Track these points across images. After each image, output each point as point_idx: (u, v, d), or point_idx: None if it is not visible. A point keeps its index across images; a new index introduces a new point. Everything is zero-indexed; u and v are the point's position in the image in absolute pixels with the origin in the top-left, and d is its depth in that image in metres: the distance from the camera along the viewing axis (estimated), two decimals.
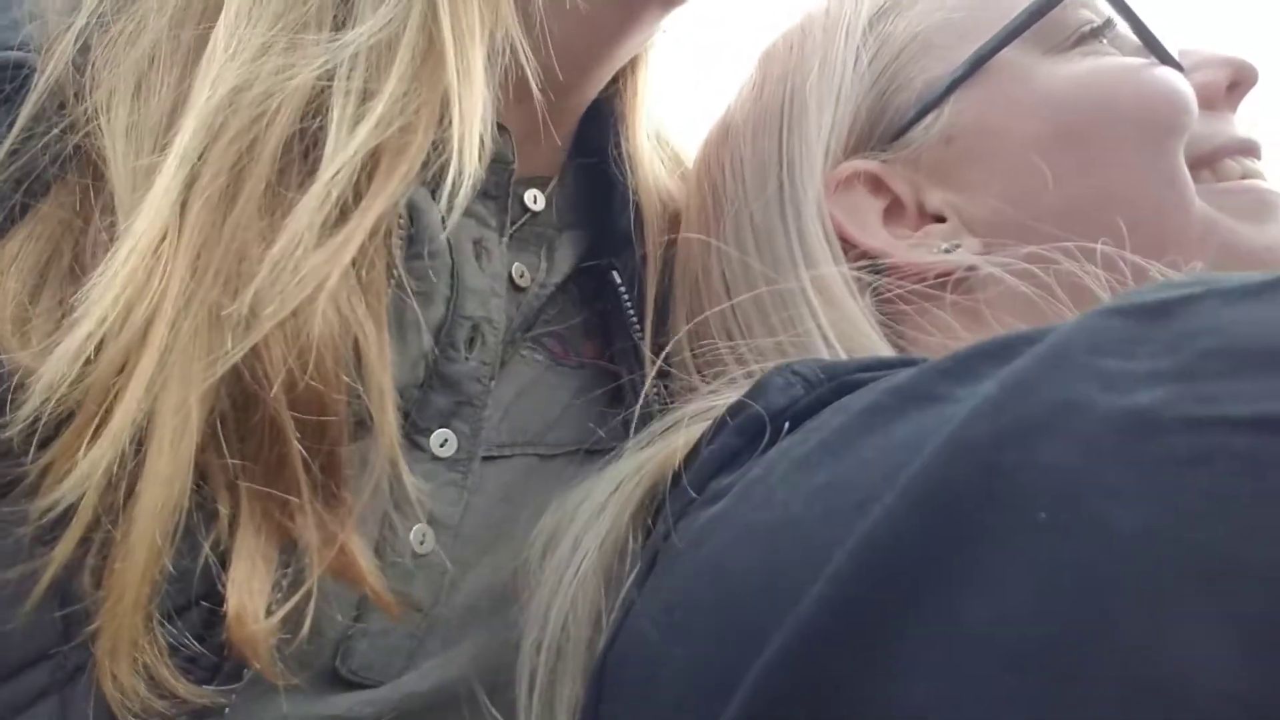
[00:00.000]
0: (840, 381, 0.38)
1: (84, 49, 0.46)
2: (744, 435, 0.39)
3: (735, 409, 0.41)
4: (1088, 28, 0.57)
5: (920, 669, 0.24)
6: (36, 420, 0.39)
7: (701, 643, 0.31)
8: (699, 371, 0.54)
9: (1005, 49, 0.56)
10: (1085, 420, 0.24)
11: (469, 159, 0.47)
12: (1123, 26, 0.59)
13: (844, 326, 0.51)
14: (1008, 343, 0.30)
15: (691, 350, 0.57)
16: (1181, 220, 0.51)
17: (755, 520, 0.33)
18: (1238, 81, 0.56)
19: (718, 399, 0.47)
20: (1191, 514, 0.22)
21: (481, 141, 0.48)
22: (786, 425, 0.36)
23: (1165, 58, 0.56)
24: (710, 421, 0.43)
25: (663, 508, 0.40)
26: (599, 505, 0.45)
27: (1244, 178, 0.56)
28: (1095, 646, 0.22)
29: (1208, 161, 0.55)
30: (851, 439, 0.31)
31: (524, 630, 0.46)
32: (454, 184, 0.46)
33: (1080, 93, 0.54)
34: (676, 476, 0.42)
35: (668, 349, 0.56)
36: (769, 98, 0.60)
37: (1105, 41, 0.58)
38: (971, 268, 0.52)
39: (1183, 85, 0.54)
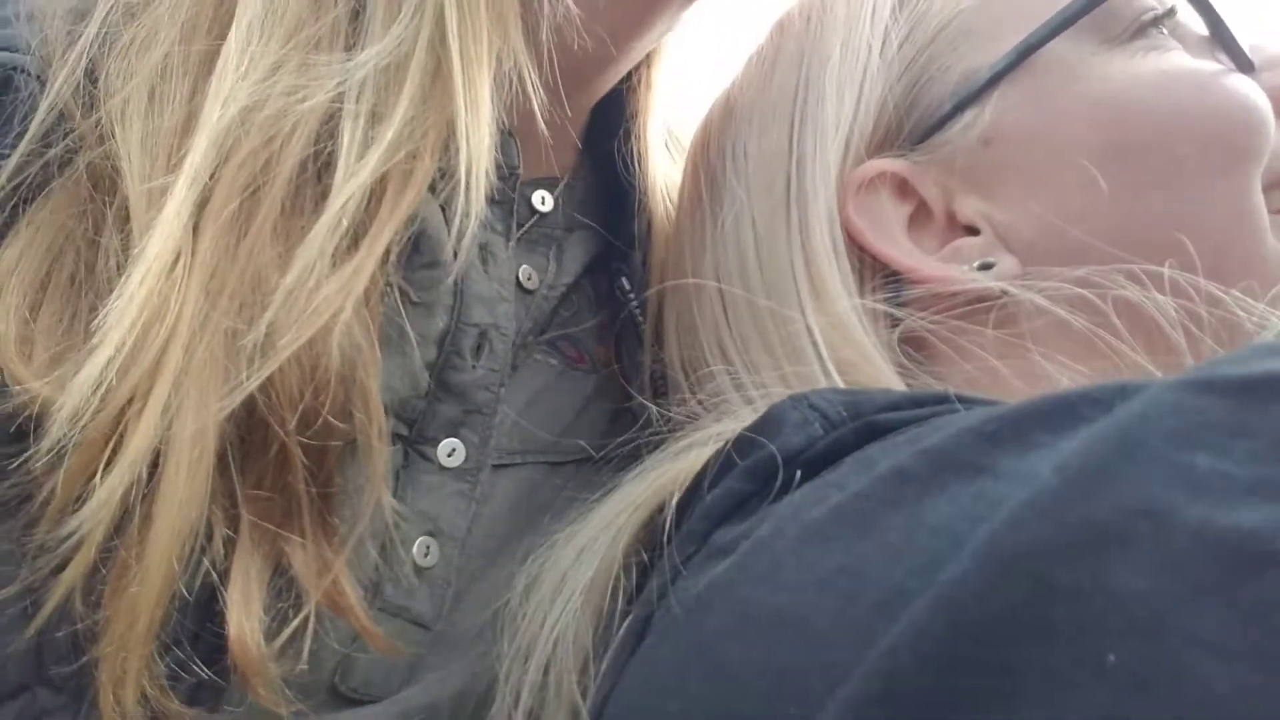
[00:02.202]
0: (865, 423, 0.33)
1: (96, 57, 0.45)
2: (754, 479, 0.34)
3: (743, 445, 0.36)
4: (1149, 16, 0.50)
5: None
6: (63, 449, 0.39)
7: None
8: (693, 393, 0.50)
9: (1056, 39, 0.50)
10: (1171, 538, 0.19)
11: (476, 197, 0.46)
12: (1184, 13, 0.53)
13: (850, 356, 0.46)
14: (1066, 405, 0.25)
15: (684, 369, 0.52)
16: (1251, 258, 0.45)
17: (758, 602, 0.28)
18: None
19: (719, 427, 0.43)
20: None
21: (488, 174, 0.47)
22: (799, 474, 0.32)
23: (1239, 58, 0.49)
24: (713, 452, 0.38)
25: (659, 549, 0.36)
26: (588, 542, 0.41)
27: None
28: None
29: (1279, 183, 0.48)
30: (874, 514, 0.27)
31: (500, 675, 0.42)
32: (462, 220, 0.46)
33: (1142, 99, 0.48)
34: (678, 513, 0.38)
35: (656, 369, 0.52)
36: (781, 80, 0.54)
37: (1165, 31, 0.51)
38: (1006, 293, 0.46)
39: (1259, 100, 0.47)
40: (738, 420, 0.42)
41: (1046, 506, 0.21)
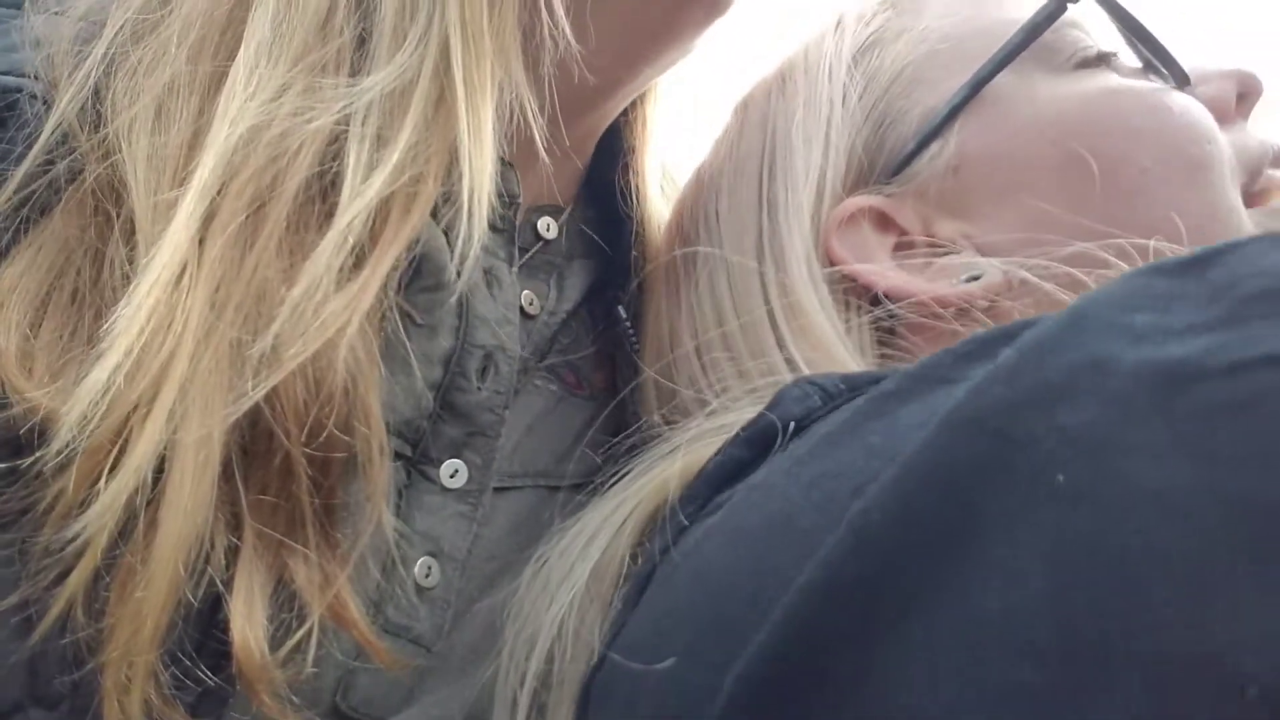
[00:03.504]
0: (861, 390, 0.35)
1: (102, 77, 0.47)
2: (753, 447, 0.36)
3: (751, 424, 0.38)
4: (1090, 52, 0.55)
5: (921, 666, 0.21)
6: (73, 452, 0.39)
7: (685, 649, 0.28)
8: (660, 411, 0.52)
9: (1003, 73, 0.55)
10: (1112, 377, 0.22)
11: (478, 220, 0.47)
12: (1125, 54, 0.58)
13: (815, 357, 0.49)
14: (1030, 321, 0.28)
15: (658, 399, 0.55)
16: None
17: (749, 519, 0.30)
18: (1245, 92, 0.55)
19: (720, 419, 0.45)
20: (1233, 463, 0.19)
21: (490, 199, 0.48)
22: (791, 426, 0.34)
23: (1177, 74, 0.54)
24: (716, 443, 0.40)
25: (663, 529, 0.38)
26: (593, 532, 0.43)
27: (1269, 188, 0.53)
28: (1118, 625, 0.19)
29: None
30: (857, 426, 0.29)
31: (504, 660, 0.43)
32: (464, 243, 0.47)
33: (1094, 115, 0.52)
34: (682, 499, 0.39)
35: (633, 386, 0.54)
36: (748, 145, 0.59)
37: (1107, 67, 0.56)
38: (997, 295, 0.49)
39: (1201, 113, 0.52)
40: (739, 413, 0.44)
41: (1005, 375, 0.24)
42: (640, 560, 0.40)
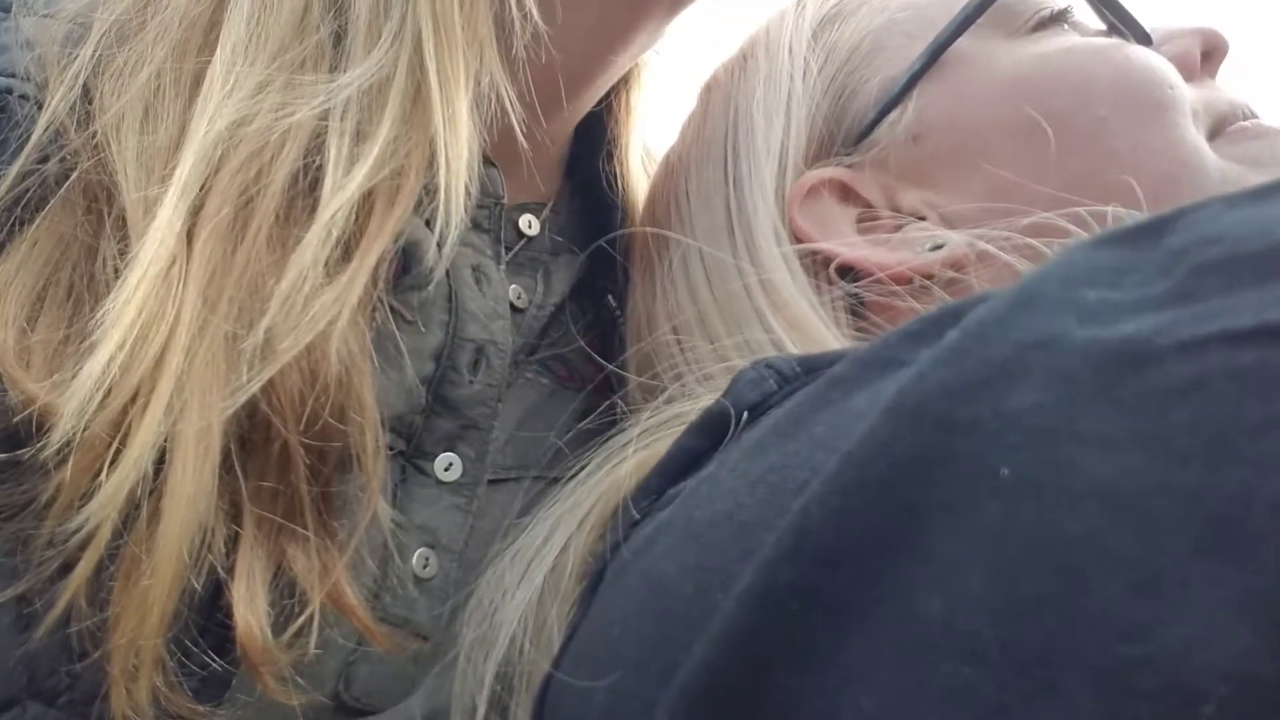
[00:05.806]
0: (818, 374, 0.34)
1: (91, 77, 0.47)
2: (708, 435, 0.34)
3: (705, 411, 0.36)
4: (1047, 11, 0.54)
5: (864, 677, 0.19)
6: (70, 443, 0.39)
7: (631, 661, 0.27)
8: (644, 398, 0.51)
9: (961, 38, 0.53)
10: (1060, 358, 0.20)
11: (455, 209, 0.47)
12: (1081, 12, 0.56)
13: (794, 333, 0.47)
14: (981, 296, 0.26)
15: (641, 386, 0.54)
16: (1200, 182, 0.46)
17: (696, 519, 0.28)
18: (1210, 50, 0.53)
19: (674, 409, 0.44)
20: (1184, 452, 0.17)
21: (467, 190, 0.48)
22: (745, 415, 0.32)
23: (1138, 33, 0.53)
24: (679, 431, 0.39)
25: (615, 524, 0.36)
26: (550, 530, 0.41)
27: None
28: (1063, 626, 0.17)
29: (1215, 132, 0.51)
30: (804, 415, 0.27)
31: (461, 663, 0.42)
32: (442, 233, 0.47)
33: (1052, 72, 0.51)
34: (635, 492, 0.38)
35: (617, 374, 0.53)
36: (712, 126, 0.58)
37: (1066, 26, 0.55)
38: (960, 266, 0.48)
39: (1158, 60, 0.51)
40: (696, 400, 0.43)
41: (947, 357, 0.22)
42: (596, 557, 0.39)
